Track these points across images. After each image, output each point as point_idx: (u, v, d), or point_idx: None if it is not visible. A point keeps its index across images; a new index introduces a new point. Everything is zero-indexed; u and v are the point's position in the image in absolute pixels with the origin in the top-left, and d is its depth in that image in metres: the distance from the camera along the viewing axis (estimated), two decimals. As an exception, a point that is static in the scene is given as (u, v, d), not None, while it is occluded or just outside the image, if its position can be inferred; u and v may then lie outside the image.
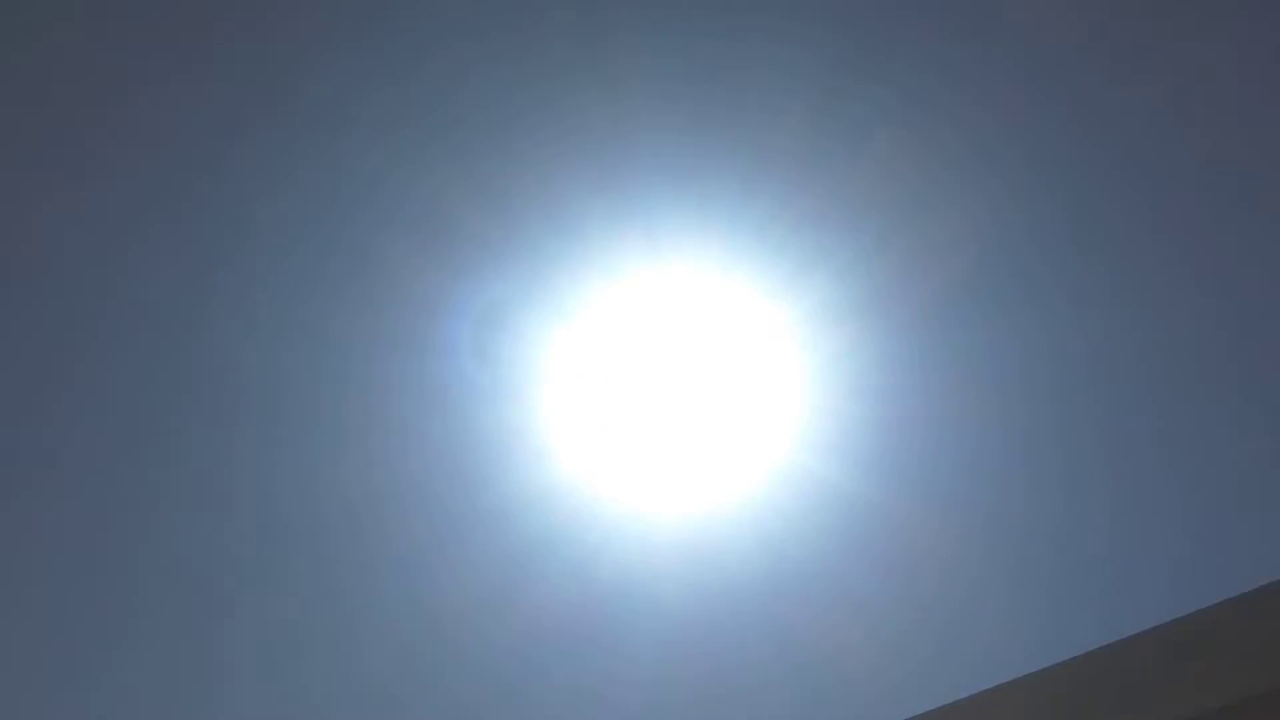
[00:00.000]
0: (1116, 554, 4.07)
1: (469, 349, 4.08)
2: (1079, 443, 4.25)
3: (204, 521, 4.26)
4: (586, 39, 4.09)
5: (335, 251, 4.03)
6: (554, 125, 4.01)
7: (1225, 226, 3.94)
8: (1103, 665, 1.54)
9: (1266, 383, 3.84)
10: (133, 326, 4.15)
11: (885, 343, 4.10)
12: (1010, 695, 1.55)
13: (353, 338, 4.00)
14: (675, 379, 4.17)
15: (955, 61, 4.05)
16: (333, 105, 4.13)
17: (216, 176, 4.06)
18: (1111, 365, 4.22)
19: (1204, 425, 4.05)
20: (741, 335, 4.07)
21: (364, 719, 4.09)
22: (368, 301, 3.99)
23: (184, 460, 4.27)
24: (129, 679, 4.21)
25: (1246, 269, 3.95)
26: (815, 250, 4.07)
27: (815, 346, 4.07)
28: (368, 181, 4.02)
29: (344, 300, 4.01)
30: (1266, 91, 3.73)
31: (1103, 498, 4.12)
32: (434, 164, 3.92)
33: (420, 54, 4.10)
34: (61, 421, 4.17)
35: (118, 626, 4.29)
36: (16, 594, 4.06)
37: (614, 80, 4.06)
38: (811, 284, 4.10)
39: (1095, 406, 4.22)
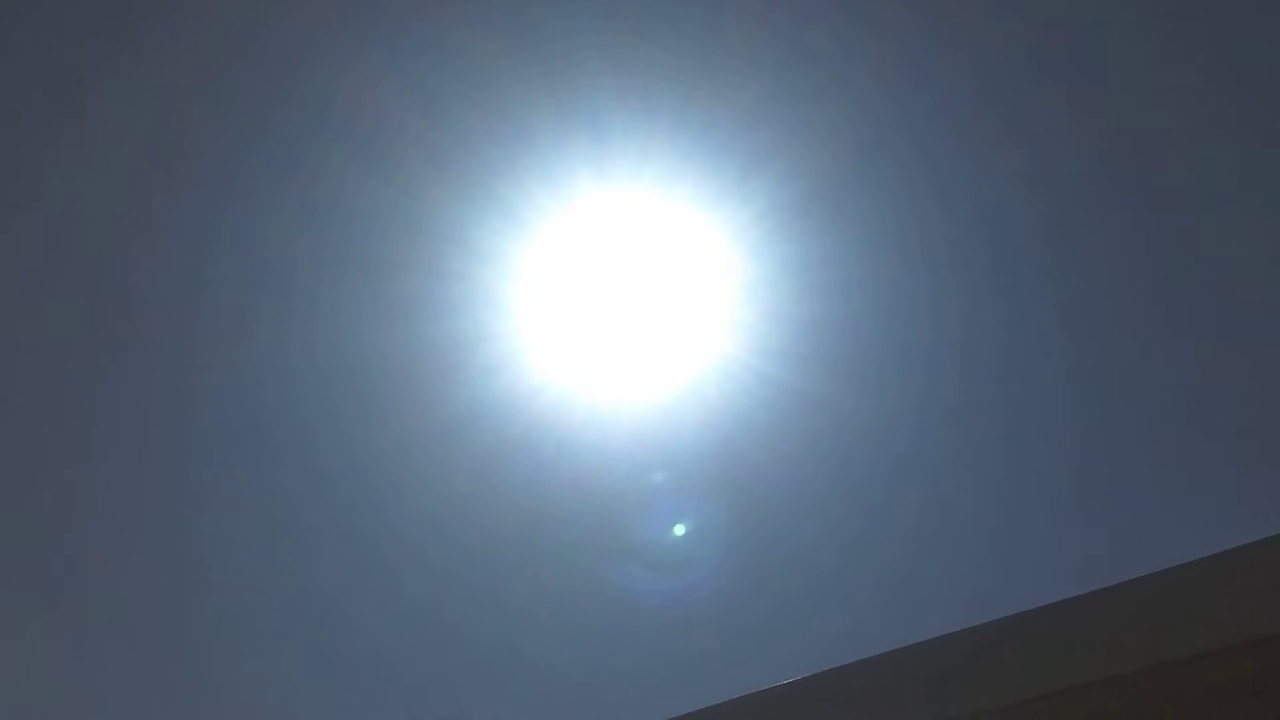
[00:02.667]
0: (1051, 439, 4.16)
1: (417, 263, 4.10)
2: (1025, 335, 4.31)
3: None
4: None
5: (283, 170, 4.02)
6: (498, 32, 3.97)
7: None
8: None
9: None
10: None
11: (830, 241, 4.13)
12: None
13: (296, 257, 4.01)
14: (627, 287, 4.20)
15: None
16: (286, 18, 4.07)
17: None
18: (1058, 261, 4.25)
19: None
20: (684, 244, 4.09)
21: (317, 625, 4.21)
22: (310, 218, 3.99)
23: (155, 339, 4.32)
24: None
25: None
26: (760, 151, 4.07)
27: (752, 253, 4.10)
28: (315, 98, 4.00)
29: (291, 218, 4.01)
30: None
31: (1043, 390, 4.19)
32: (377, 76, 3.89)
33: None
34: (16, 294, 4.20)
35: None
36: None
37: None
38: (758, 186, 4.11)
39: (1041, 301, 4.27)
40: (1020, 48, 4.14)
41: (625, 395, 4.27)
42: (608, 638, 4.35)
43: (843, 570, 4.39)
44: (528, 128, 4.04)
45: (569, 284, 4.18)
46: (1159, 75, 3.79)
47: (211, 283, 4.15)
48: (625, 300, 4.19)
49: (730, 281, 4.16)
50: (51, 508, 4.22)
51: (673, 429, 4.24)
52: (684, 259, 4.16)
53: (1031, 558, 3.94)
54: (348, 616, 4.27)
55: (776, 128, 4.02)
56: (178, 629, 4.28)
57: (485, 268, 4.16)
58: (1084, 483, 3.97)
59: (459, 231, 4.14)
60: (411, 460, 4.34)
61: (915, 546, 4.16)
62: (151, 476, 4.26)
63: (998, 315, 4.27)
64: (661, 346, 4.23)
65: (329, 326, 4.25)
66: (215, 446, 4.26)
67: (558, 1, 3.94)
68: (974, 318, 4.16)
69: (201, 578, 4.24)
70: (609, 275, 4.17)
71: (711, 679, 4.04)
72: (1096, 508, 4.01)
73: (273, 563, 4.30)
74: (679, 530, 4.36)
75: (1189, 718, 1.54)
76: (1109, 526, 3.75)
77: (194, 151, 4.20)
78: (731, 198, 4.08)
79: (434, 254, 4.15)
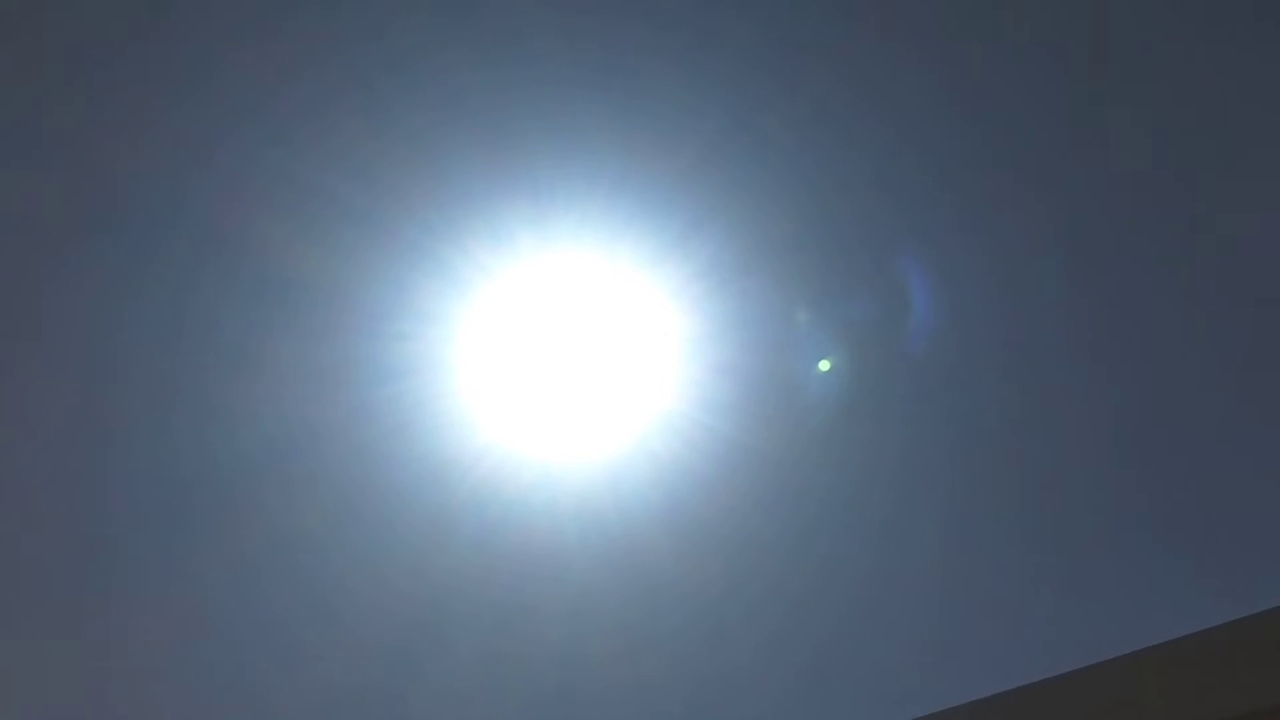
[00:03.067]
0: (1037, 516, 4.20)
1: (357, 327, 4.04)
2: (973, 391, 4.35)
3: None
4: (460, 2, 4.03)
5: (208, 237, 3.95)
6: (432, 99, 3.95)
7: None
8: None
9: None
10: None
11: (775, 296, 4.15)
12: None
13: (220, 324, 3.93)
14: (571, 345, 4.18)
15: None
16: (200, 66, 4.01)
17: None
18: (1008, 319, 4.31)
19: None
20: (627, 302, 4.08)
21: (261, 699, 4.09)
22: (238, 285, 3.92)
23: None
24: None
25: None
26: (701, 209, 4.08)
27: (696, 308, 4.11)
28: (240, 166, 3.94)
29: (216, 285, 3.93)
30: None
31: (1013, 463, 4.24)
32: (308, 143, 3.84)
33: (285, 12, 4.00)
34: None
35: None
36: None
37: (489, 43, 4.01)
38: (691, 251, 4.12)
39: (989, 353, 4.32)
40: (954, 104, 4.21)
41: (573, 454, 4.23)
42: (556, 700, 4.28)
43: (795, 629, 4.37)
44: (467, 190, 4.02)
45: (513, 344, 4.14)
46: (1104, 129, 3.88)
47: (129, 352, 4.05)
48: (570, 359, 4.17)
49: (675, 338, 4.16)
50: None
51: (622, 486, 4.21)
52: (628, 316, 4.15)
53: (987, 627, 3.96)
54: (279, 696, 4.15)
55: (717, 186, 4.04)
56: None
57: (427, 329, 4.11)
58: (1034, 547, 4.00)
59: (398, 295, 4.09)
60: (355, 526, 4.25)
61: (867, 606, 4.17)
62: (59, 562, 4.12)
63: (946, 368, 4.32)
64: (608, 404, 4.21)
65: (261, 394, 4.16)
66: (130, 534, 4.14)
67: (492, 66, 3.93)
68: (925, 370, 4.20)
69: (127, 665, 4.10)
70: (553, 334, 4.15)
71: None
72: (1043, 582, 4.05)
73: (196, 648, 4.17)
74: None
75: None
76: (1061, 609, 3.78)
77: (110, 217, 4.11)
78: (673, 255, 4.09)
79: (373, 317, 4.09)
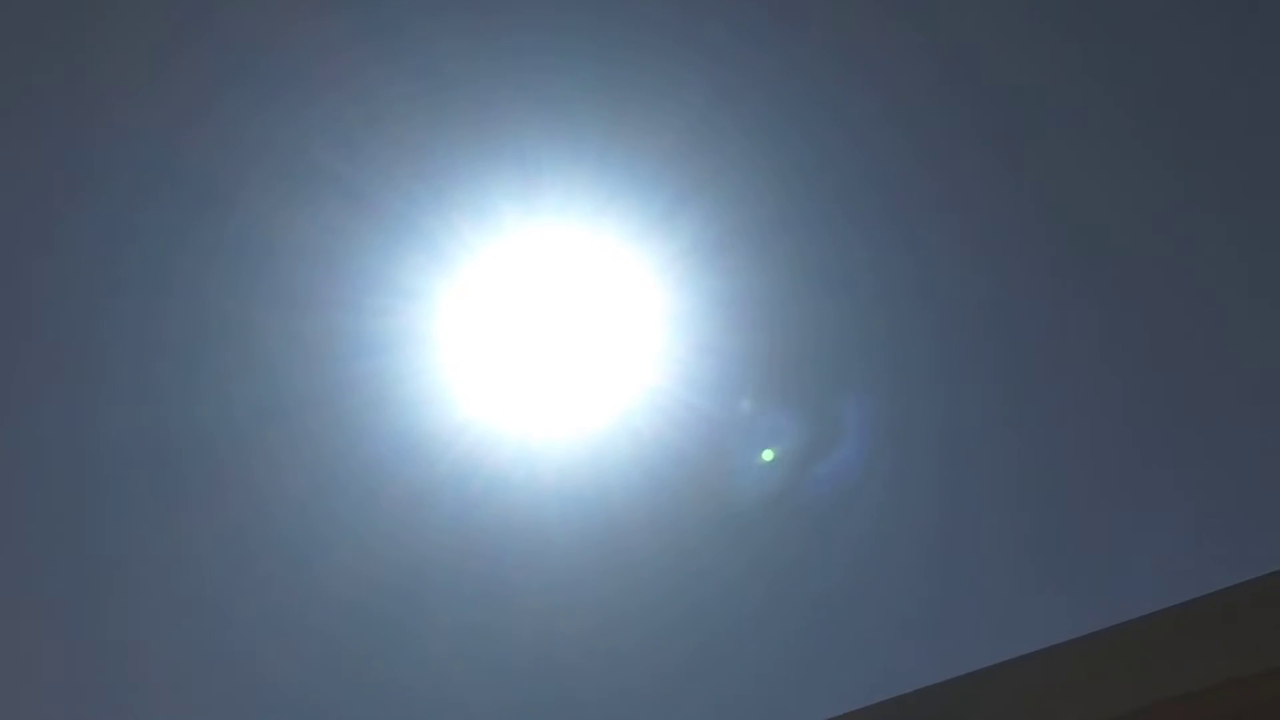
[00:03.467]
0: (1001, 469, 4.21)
1: (338, 300, 4.02)
2: (956, 362, 4.35)
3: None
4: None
5: (196, 205, 3.92)
6: (415, 70, 3.92)
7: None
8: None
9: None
10: None
11: (759, 276, 4.14)
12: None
13: (207, 293, 3.90)
14: (554, 321, 4.17)
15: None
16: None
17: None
18: (988, 295, 4.30)
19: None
20: (611, 278, 4.07)
21: (238, 680, 4.09)
22: (223, 255, 3.89)
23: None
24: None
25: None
26: (686, 185, 4.07)
27: (680, 286, 4.09)
28: (228, 135, 3.90)
29: (202, 254, 3.90)
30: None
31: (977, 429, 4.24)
32: (291, 114, 3.81)
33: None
34: None
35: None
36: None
37: (475, 13, 3.98)
38: (676, 228, 4.11)
39: (971, 330, 4.32)
40: (942, 84, 4.20)
41: (554, 430, 4.22)
42: (531, 677, 4.28)
43: (776, 607, 4.38)
44: (450, 163, 3.99)
45: (495, 319, 4.13)
46: (1086, 113, 3.87)
47: (117, 319, 4.02)
48: (553, 335, 4.16)
49: (658, 315, 4.15)
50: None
51: (603, 463, 4.20)
52: (611, 293, 4.13)
53: (971, 592, 3.97)
54: (263, 665, 4.15)
55: (703, 163, 4.03)
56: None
57: (409, 304, 4.09)
58: (1027, 512, 4.01)
59: (381, 268, 4.07)
60: (336, 497, 4.24)
61: (854, 583, 4.18)
62: (50, 534, 4.10)
63: (930, 346, 4.32)
64: (590, 381, 4.20)
65: (245, 364, 4.14)
66: (120, 492, 4.12)
67: (477, 36, 3.90)
68: (905, 348, 4.20)
69: (102, 636, 4.08)
70: (536, 310, 4.13)
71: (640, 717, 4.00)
72: (1053, 552, 4.05)
73: (182, 616, 4.16)
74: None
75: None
76: (1070, 576, 3.79)
77: (99, 179, 4.08)
78: (658, 232, 4.07)
79: (356, 290, 4.07)
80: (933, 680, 1.60)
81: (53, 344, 4.15)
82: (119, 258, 4.11)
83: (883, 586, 4.28)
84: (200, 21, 3.95)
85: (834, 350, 4.24)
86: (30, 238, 4.09)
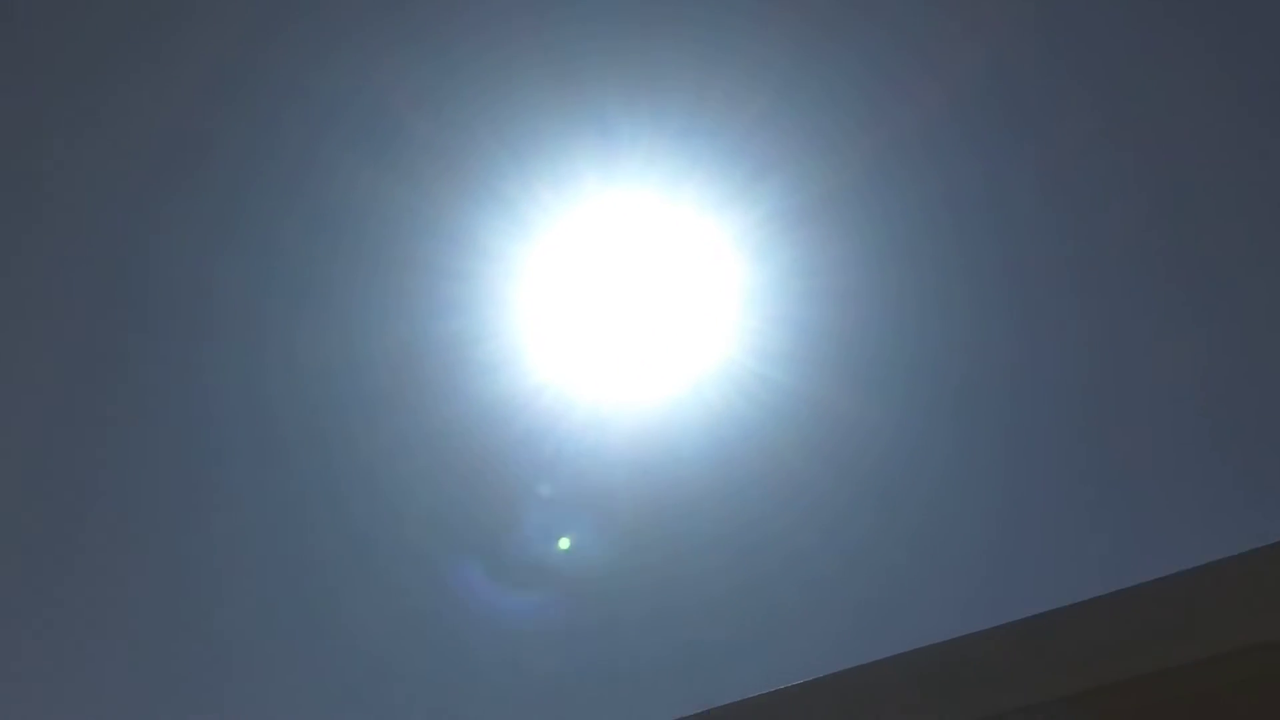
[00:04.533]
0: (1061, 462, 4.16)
1: (423, 262, 4.09)
2: (1033, 339, 4.29)
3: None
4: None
5: (295, 170, 4.01)
6: (505, 35, 3.97)
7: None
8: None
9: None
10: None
11: (837, 246, 4.12)
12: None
13: (306, 255, 4.00)
14: (630, 289, 4.19)
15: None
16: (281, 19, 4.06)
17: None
18: (1069, 264, 4.24)
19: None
20: (688, 247, 4.08)
21: (313, 628, 4.19)
22: (321, 217, 3.98)
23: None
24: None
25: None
26: (768, 155, 4.06)
27: (758, 256, 4.09)
28: (327, 101, 3.99)
29: (301, 217, 4.00)
30: None
31: (1055, 406, 4.18)
32: (388, 80, 3.88)
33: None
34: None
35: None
36: None
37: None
38: (756, 197, 4.10)
39: (1051, 305, 4.26)
40: (1033, 50, 4.13)
41: (626, 398, 4.26)
42: (599, 637, 4.32)
43: (844, 576, 4.37)
44: (534, 129, 4.04)
45: (572, 285, 4.17)
46: (1175, 75, 3.79)
47: (221, 281, 4.14)
48: (628, 303, 4.18)
49: (735, 285, 4.15)
50: (57, 508, 4.19)
51: (673, 432, 4.23)
52: (689, 262, 4.15)
53: (1038, 562, 3.93)
54: (345, 617, 4.24)
55: (786, 133, 4.02)
56: (179, 629, 4.25)
57: (489, 267, 4.15)
58: (1091, 485, 3.96)
59: (465, 231, 4.13)
60: (414, 456, 4.32)
61: (918, 553, 4.15)
62: (161, 475, 4.24)
63: (1007, 320, 4.27)
64: (664, 349, 4.22)
65: (339, 322, 4.24)
66: (223, 442, 4.24)
67: (566, 4, 3.93)
68: (982, 322, 4.16)
69: (206, 574, 4.21)
70: (612, 277, 4.16)
71: (705, 679, 4.02)
72: (1103, 511, 4.00)
73: (274, 558, 4.28)
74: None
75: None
76: (1115, 531, 3.74)
77: (205, 151, 4.19)
78: (738, 201, 4.08)
79: (440, 253, 4.14)
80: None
81: (158, 317, 4.28)
82: (221, 231, 4.22)
83: (948, 560, 4.24)
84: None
85: (913, 325, 4.21)
86: (134, 225, 4.22)
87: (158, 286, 4.25)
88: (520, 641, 4.32)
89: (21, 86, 3.92)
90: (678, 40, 4.06)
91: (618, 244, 4.13)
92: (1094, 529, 3.87)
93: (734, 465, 4.29)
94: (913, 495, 4.37)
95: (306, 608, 4.22)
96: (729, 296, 4.16)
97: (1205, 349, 3.78)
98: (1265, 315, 3.70)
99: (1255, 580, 1.56)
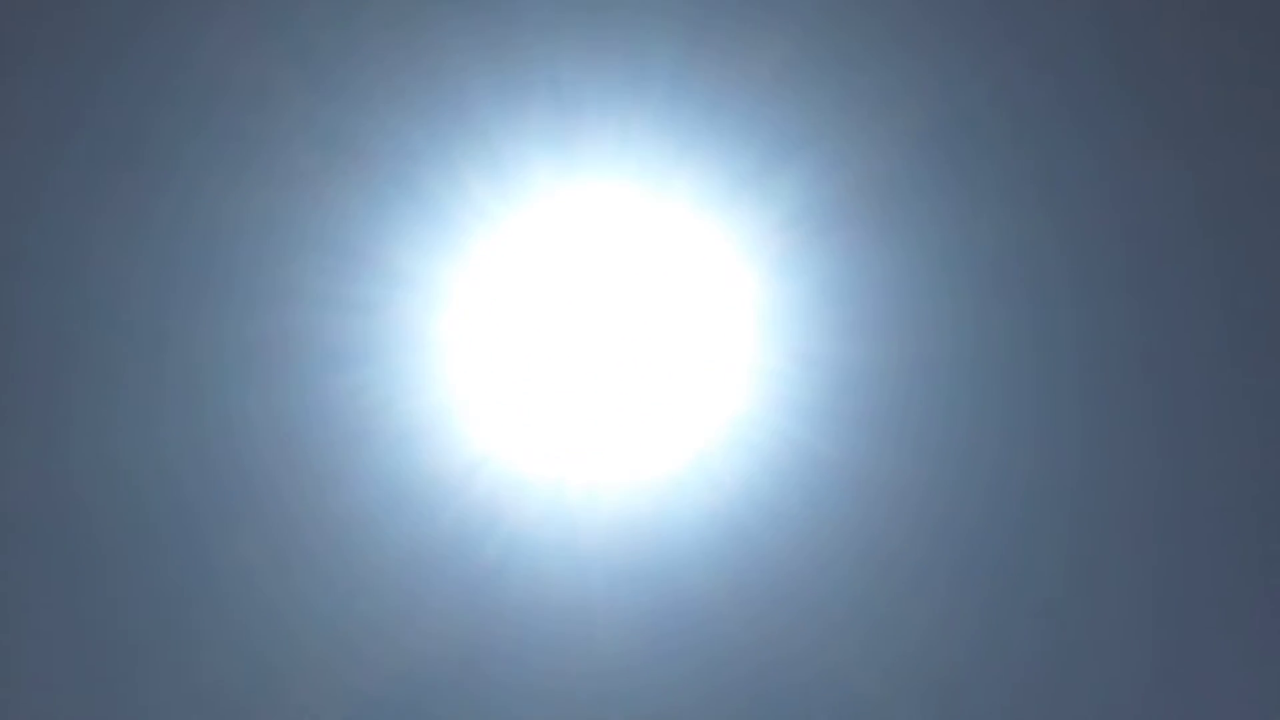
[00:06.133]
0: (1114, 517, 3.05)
1: (305, 290, 2.88)
2: (1123, 390, 3.22)
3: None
4: None
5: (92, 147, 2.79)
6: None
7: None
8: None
9: None
10: None
11: (885, 257, 3.01)
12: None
13: (119, 285, 2.75)
14: (604, 321, 3.03)
15: None
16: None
17: None
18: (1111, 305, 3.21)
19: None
20: (682, 262, 2.94)
21: None
22: (138, 229, 2.75)
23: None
24: None
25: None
26: (789, 133, 2.95)
27: (777, 273, 2.97)
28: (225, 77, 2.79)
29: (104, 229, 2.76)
30: None
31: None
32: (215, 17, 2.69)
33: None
34: None
35: None
36: None
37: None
38: (772, 191, 3.00)
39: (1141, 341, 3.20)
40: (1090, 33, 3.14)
41: (602, 475, 3.05)
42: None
43: (891, 700, 3.21)
44: (460, 97, 2.87)
45: (521, 318, 2.98)
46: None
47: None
48: (600, 341, 3.01)
49: (747, 314, 3.01)
50: None
51: (669, 521, 3.03)
52: (682, 283, 3.00)
53: (1127, 689, 2.79)
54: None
55: (812, 101, 2.91)
56: None
57: (404, 295, 2.95)
58: (1171, 580, 2.84)
59: (363, 245, 2.93)
60: (300, 572, 3.05)
61: (986, 676, 2.99)
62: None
63: (1095, 359, 3.18)
64: (652, 405, 3.04)
65: (179, 385, 2.98)
66: (27, 559, 2.93)
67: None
68: (1062, 360, 3.06)
69: None
70: (578, 306, 2.99)
71: None
72: (1183, 615, 2.90)
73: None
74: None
75: None
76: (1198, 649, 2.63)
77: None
78: (747, 198, 2.95)
79: (330, 277, 2.93)
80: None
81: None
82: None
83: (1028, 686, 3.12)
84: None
85: (977, 356, 3.10)
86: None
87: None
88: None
89: None
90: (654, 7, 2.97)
91: (584, 259, 2.97)
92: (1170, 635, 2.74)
93: (751, 562, 3.10)
94: (967, 596, 3.23)
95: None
96: (739, 329, 3.02)
97: None
98: None
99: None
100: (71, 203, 2.87)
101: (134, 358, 2.98)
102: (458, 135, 2.84)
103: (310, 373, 2.95)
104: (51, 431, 3.00)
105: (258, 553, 2.93)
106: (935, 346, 3.02)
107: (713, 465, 3.01)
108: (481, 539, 2.99)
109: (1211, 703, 3.04)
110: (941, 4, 2.93)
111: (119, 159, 2.89)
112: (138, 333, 2.98)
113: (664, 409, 3.03)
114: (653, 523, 3.01)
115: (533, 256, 2.95)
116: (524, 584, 3.00)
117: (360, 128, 2.82)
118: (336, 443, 2.96)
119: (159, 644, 3.04)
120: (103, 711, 2.94)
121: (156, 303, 2.84)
